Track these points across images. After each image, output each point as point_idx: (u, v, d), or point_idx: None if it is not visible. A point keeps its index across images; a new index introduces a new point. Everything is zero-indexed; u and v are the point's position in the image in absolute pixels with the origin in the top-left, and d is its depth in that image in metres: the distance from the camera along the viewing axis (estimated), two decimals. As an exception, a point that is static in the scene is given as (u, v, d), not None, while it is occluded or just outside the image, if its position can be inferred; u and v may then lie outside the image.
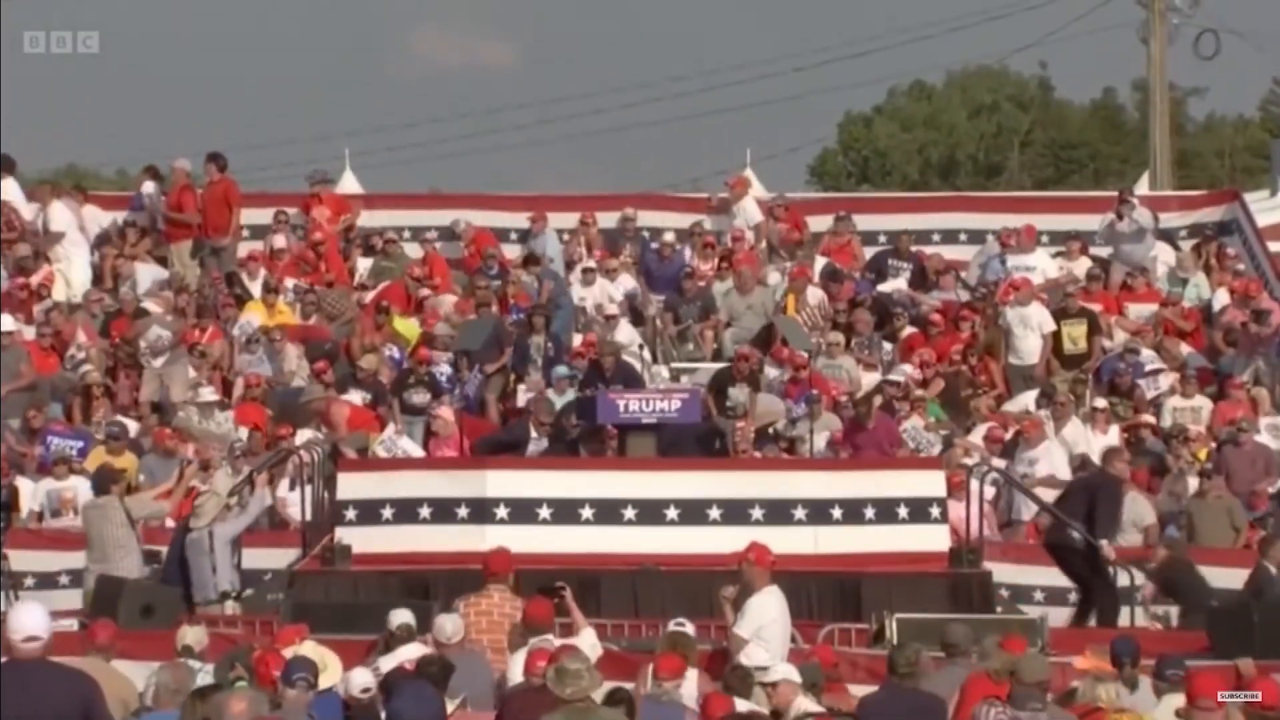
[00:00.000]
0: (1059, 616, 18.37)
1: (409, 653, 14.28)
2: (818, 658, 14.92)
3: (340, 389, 23.11)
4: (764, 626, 15.17)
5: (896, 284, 26.18)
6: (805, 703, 13.23)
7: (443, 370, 23.48)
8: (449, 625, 14.42)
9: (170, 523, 19.55)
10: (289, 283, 25.57)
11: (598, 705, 11.28)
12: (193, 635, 14.28)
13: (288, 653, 13.27)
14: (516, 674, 13.81)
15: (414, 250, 26.92)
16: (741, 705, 12.84)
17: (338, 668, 13.42)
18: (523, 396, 23.51)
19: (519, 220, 27.78)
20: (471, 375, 23.21)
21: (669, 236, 26.74)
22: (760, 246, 26.97)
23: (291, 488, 20.74)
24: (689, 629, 14.77)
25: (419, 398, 22.80)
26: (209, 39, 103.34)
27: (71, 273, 26.04)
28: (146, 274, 26.32)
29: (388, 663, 14.19)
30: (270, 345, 23.90)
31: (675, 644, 14.26)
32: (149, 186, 27.35)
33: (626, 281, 25.86)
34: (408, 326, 24.76)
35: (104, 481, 19.12)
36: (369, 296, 25.81)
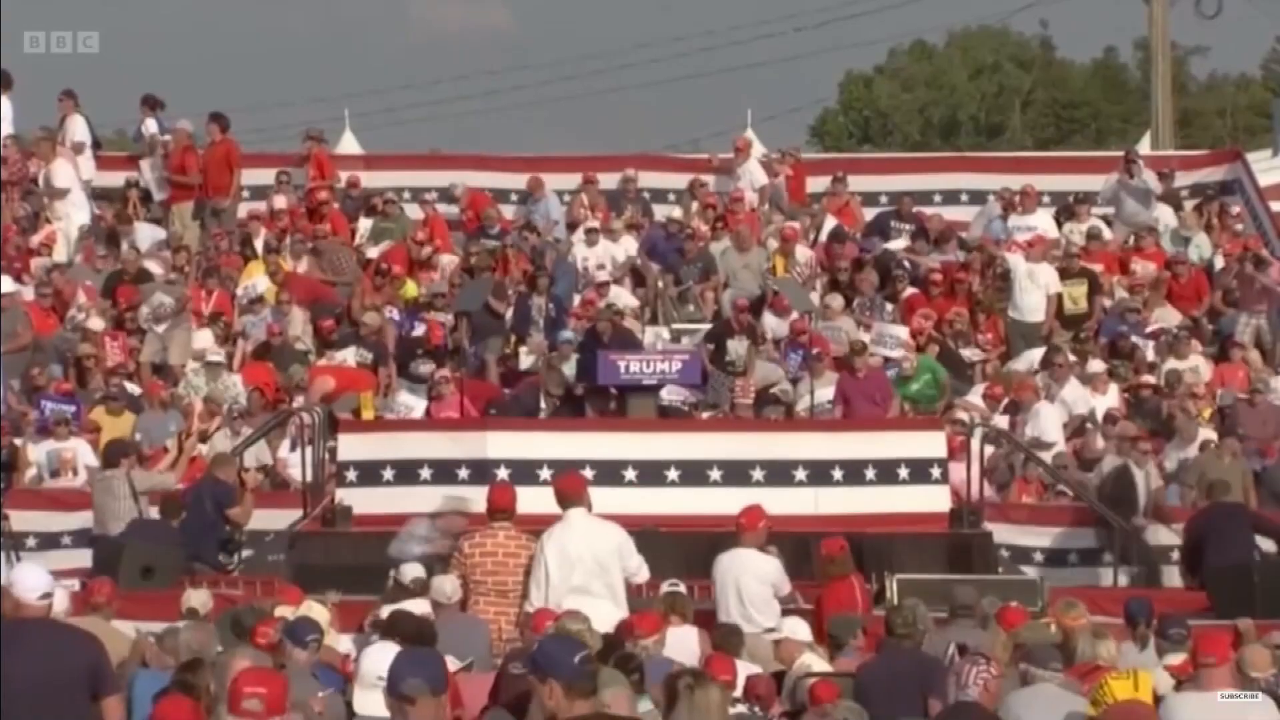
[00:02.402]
0: (1057, 577, 18.43)
1: (415, 607, 14.33)
2: (825, 549, 15.16)
3: (342, 346, 23.10)
4: (712, 583, 15.36)
5: (898, 245, 26.15)
6: (812, 660, 13.21)
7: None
8: (448, 585, 14.38)
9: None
10: (289, 239, 25.53)
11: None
12: (198, 598, 14.30)
13: (284, 611, 13.32)
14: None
15: (414, 211, 26.89)
16: (743, 667, 12.87)
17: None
18: (525, 359, 23.51)
19: (520, 181, 27.75)
20: (473, 348, 23.12)
21: (678, 213, 26.62)
22: (763, 209, 26.93)
23: (292, 449, 20.78)
24: (682, 589, 14.84)
25: (424, 368, 22.77)
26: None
27: (72, 231, 26.02)
28: (146, 233, 26.29)
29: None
30: (277, 308, 23.89)
31: (673, 605, 14.33)
32: (150, 125, 27.24)
33: (629, 243, 25.84)
34: (414, 291, 24.75)
35: (114, 455, 19.10)
36: (371, 253, 25.79)
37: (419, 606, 14.28)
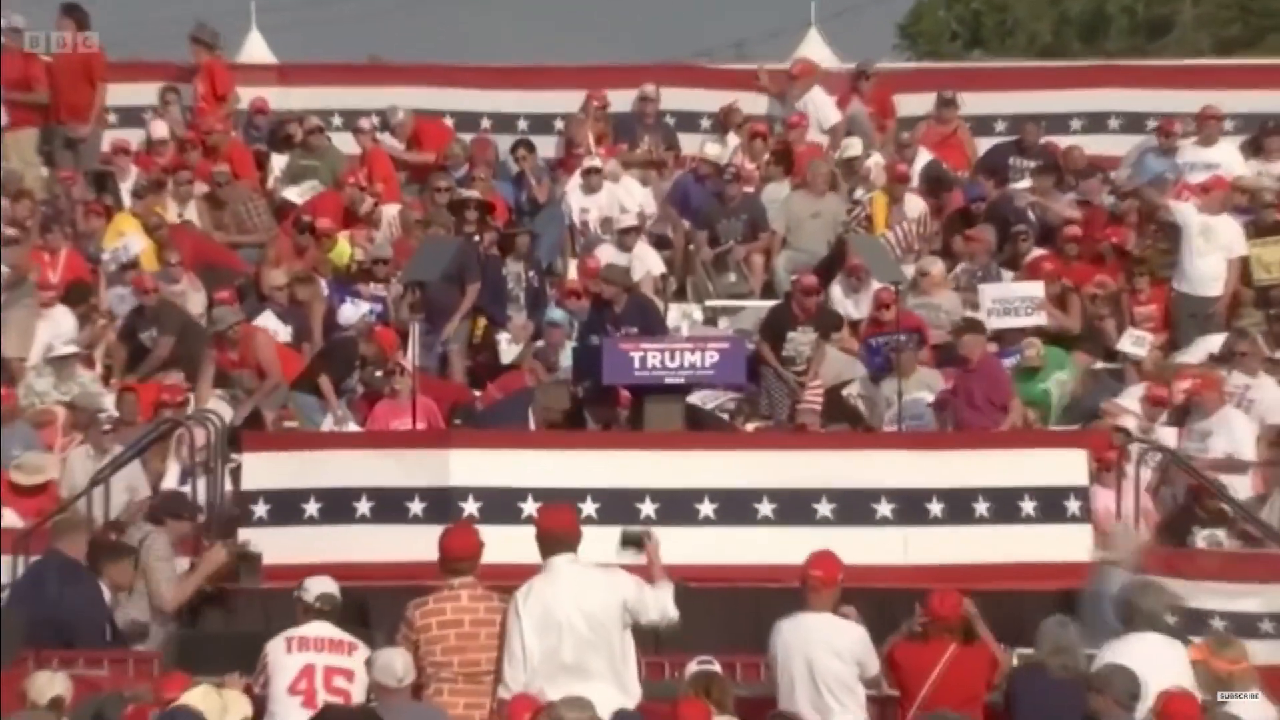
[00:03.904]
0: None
1: (319, 630, 14.49)
2: (936, 605, 15.04)
3: (251, 319, 23.06)
4: (771, 661, 15.30)
5: (1021, 189, 26.09)
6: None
7: (375, 305, 23.38)
8: (398, 663, 14.28)
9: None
10: (172, 181, 25.58)
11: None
12: (60, 684, 14.25)
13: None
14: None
15: (346, 143, 26.92)
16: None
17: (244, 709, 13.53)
18: (507, 350, 23.54)
19: (491, 101, 27.72)
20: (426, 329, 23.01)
21: (712, 150, 26.50)
22: (833, 154, 26.78)
23: (183, 479, 20.59)
24: (716, 667, 14.82)
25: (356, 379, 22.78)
26: None
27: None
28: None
29: (276, 648, 14.39)
30: (164, 271, 23.90)
31: (706, 689, 14.30)
32: None
33: (637, 188, 25.74)
34: (347, 253, 24.75)
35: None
36: (289, 196, 25.79)
37: (321, 630, 14.29)
